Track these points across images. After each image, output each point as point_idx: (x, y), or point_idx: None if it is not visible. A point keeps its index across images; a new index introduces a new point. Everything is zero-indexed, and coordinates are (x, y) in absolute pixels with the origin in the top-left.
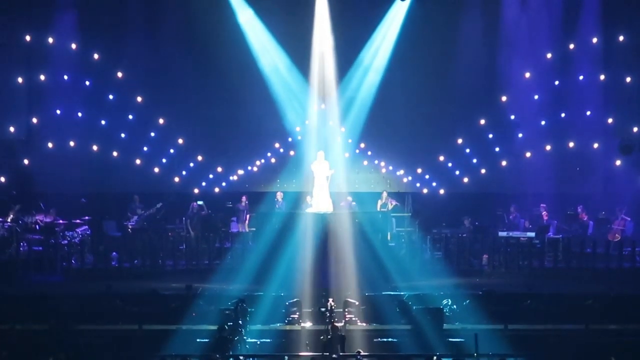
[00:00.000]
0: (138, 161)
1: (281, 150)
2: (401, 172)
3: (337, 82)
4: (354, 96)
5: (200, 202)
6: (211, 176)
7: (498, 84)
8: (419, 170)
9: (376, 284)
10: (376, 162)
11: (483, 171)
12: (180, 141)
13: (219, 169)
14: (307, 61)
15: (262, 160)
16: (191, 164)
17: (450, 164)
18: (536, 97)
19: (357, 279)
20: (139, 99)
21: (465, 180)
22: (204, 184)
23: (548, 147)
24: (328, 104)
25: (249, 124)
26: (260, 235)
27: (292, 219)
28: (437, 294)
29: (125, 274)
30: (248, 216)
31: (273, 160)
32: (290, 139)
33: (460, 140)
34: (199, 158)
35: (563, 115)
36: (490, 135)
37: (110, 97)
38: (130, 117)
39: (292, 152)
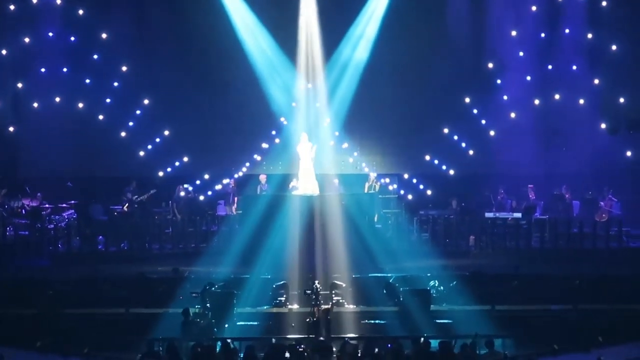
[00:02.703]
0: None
1: (273, 132)
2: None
3: (323, 62)
4: (341, 75)
5: (186, 185)
6: (198, 182)
7: (485, 54)
8: (405, 175)
9: (363, 266)
10: (356, 153)
11: (471, 152)
12: (166, 133)
13: (206, 176)
14: (294, 41)
15: (259, 157)
16: (177, 163)
17: (428, 155)
18: (521, 53)
19: (344, 261)
20: (115, 84)
21: (452, 172)
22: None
23: (537, 102)
24: (315, 84)
25: (237, 113)
26: (246, 218)
27: (279, 201)
28: (424, 276)
29: (112, 258)
30: (236, 199)
31: (264, 145)
32: (274, 132)
33: (446, 130)
34: (185, 159)
35: (550, 67)
36: (475, 111)
37: (87, 81)
38: (108, 100)
39: (277, 140)
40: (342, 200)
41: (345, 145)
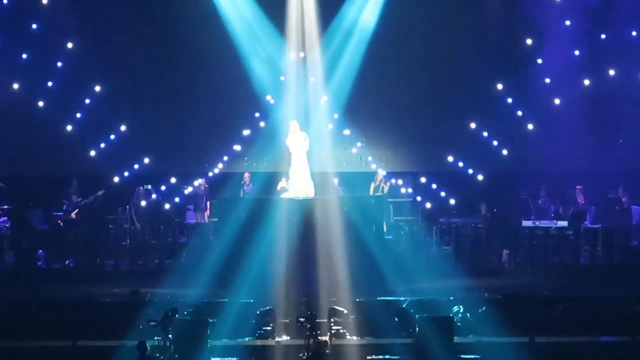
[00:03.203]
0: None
1: (257, 114)
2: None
3: (320, 28)
4: (343, 44)
5: (148, 186)
6: (163, 188)
7: (522, 26)
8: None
9: (369, 288)
10: (360, 144)
11: (505, 152)
12: (123, 128)
13: (173, 180)
14: (281, 3)
15: (239, 147)
16: (136, 166)
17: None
18: (568, 22)
19: (345, 281)
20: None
21: (480, 177)
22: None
23: (586, 82)
24: (308, 54)
25: (211, 96)
26: (223, 227)
27: (264, 206)
28: (446, 299)
29: (55, 277)
30: (208, 203)
31: (246, 132)
32: (258, 115)
33: (473, 125)
34: (146, 160)
35: (603, 37)
36: (510, 100)
37: (24, 56)
38: (50, 84)
39: (262, 124)
40: (342, 205)
41: (347, 132)
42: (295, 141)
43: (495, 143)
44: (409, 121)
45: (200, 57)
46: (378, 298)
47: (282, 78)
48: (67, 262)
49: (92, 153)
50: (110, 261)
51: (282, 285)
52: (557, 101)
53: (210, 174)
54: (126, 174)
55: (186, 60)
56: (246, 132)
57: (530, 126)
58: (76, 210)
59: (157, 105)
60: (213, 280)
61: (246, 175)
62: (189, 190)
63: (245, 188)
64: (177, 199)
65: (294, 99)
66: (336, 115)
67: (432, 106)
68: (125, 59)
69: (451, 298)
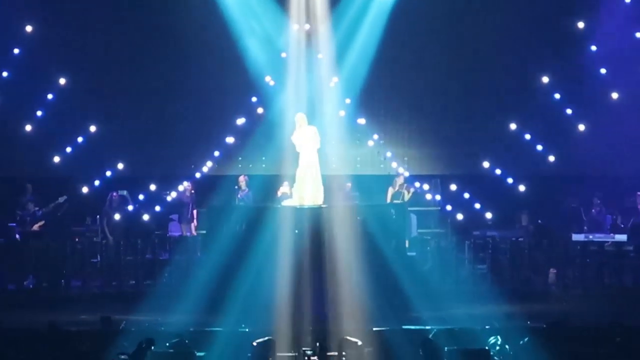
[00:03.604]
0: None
1: (254, 99)
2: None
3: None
4: (359, 16)
5: (123, 192)
6: (141, 197)
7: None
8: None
9: (388, 314)
10: (376, 136)
11: (551, 158)
12: (93, 128)
13: (152, 187)
14: None
15: (232, 140)
16: (108, 173)
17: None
18: None
19: (359, 306)
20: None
21: (522, 188)
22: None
23: None
24: (315, 27)
25: (198, 83)
26: (214, 241)
27: (262, 216)
28: (480, 329)
29: (10, 301)
30: (195, 212)
31: (240, 120)
32: (255, 99)
33: (513, 126)
34: (120, 166)
35: None
36: (558, 95)
37: None
38: (5, 74)
39: (260, 110)
40: (357, 215)
41: (362, 120)
42: (303, 137)
43: (539, 148)
44: (438, 115)
45: (184, 38)
46: (399, 327)
47: (283, 55)
48: (25, 283)
49: (56, 159)
50: (76, 282)
51: (283, 311)
52: (614, 95)
53: (198, 174)
54: (97, 182)
55: (166, 44)
56: (240, 121)
57: (581, 127)
58: (41, 222)
59: (132, 98)
60: (201, 305)
61: (241, 178)
62: (172, 196)
63: (240, 194)
64: (157, 208)
65: (297, 81)
66: (348, 100)
67: (467, 98)
68: (94, 44)
69: (487, 327)
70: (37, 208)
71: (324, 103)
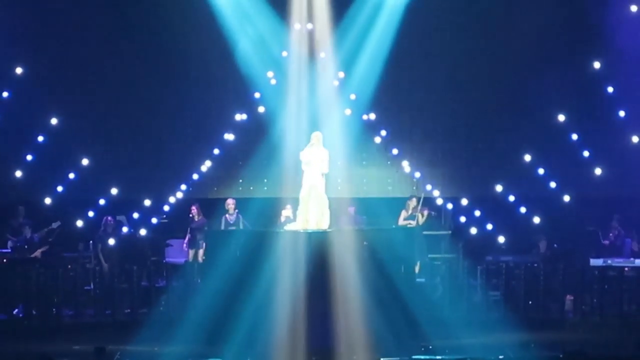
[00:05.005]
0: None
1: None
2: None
3: None
4: (372, 16)
5: (119, 218)
6: (136, 215)
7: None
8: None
9: (397, 344)
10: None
11: (567, 198)
12: (85, 162)
13: (147, 202)
14: None
15: (231, 136)
16: (102, 202)
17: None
18: None
19: (366, 336)
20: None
21: (537, 220)
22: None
23: None
24: (316, 26)
25: (190, 88)
26: (214, 267)
27: (264, 241)
28: (494, 359)
29: (0, 331)
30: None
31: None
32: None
33: (528, 157)
34: (114, 191)
35: None
36: (575, 136)
37: None
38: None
39: (261, 109)
40: (363, 239)
41: (372, 115)
42: (313, 156)
43: (552, 185)
44: (456, 132)
45: (173, 40)
46: (409, 358)
47: (284, 53)
48: (14, 312)
49: (48, 201)
50: (69, 311)
51: (286, 341)
52: (634, 139)
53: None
54: (91, 213)
55: (154, 42)
56: (240, 117)
57: (598, 171)
58: (44, 248)
59: (125, 124)
60: (200, 334)
61: (229, 201)
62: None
63: (229, 217)
64: (154, 220)
65: (296, 78)
66: (353, 96)
67: (476, 124)
68: (69, 39)
69: (501, 357)
70: (32, 233)
71: (326, 104)
